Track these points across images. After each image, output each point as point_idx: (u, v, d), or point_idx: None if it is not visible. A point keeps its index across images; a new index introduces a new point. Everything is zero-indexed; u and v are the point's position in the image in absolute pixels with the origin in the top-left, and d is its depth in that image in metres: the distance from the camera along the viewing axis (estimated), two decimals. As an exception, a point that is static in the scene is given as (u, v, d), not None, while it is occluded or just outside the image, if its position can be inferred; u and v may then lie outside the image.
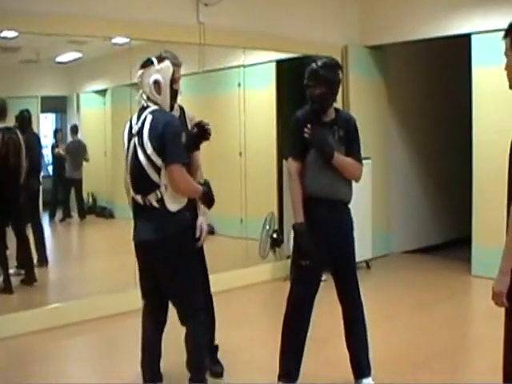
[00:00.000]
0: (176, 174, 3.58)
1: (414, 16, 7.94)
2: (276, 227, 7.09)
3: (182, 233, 3.75)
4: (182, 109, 4.33)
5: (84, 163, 8.39)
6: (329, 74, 3.96)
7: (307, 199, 4.03)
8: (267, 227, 6.88)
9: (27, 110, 7.24)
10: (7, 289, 6.41)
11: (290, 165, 4.10)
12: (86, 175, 8.48)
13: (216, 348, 4.65)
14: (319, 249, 3.97)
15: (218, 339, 4.60)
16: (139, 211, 3.76)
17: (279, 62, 8.42)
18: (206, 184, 3.90)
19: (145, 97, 3.70)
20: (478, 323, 6.21)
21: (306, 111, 4.11)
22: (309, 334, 4.12)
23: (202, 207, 4.17)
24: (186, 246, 3.82)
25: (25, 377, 4.68)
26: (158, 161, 3.57)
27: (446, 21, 7.61)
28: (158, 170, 3.59)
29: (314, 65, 3.98)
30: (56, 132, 8.69)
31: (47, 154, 8.45)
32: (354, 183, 4.18)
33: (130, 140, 3.69)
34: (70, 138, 8.55)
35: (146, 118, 3.63)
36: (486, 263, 6.94)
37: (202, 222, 4.21)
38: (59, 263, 7.78)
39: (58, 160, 8.43)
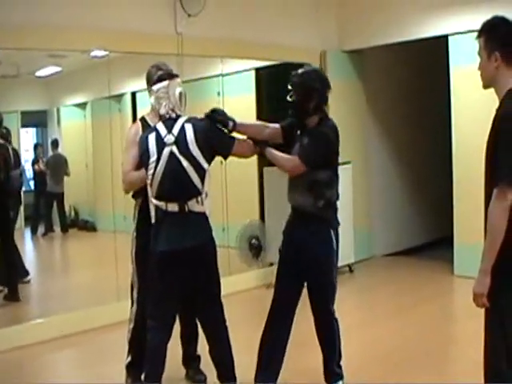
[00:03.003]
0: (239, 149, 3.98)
1: (391, 20, 8.00)
2: (257, 233, 7.05)
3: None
4: None
5: (65, 177, 8.36)
6: (303, 82, 3.97)
7: None
8: (242, 234, 6.89)
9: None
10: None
11: None
12: (67, 188, 8.44)
13: (199, 358, 4.67)
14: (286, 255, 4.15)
15: (200, 349, 4.59)
16: (170, 219, 3.78)
17: (258, 70, 8.43)
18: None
19: (170, 107, 3.83)
20: (460, 323, 6.24)
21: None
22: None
23: None
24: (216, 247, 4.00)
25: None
26: (205, 164, 3.76)
27: (423, 23, 7.68)
28: (201, 175, 3.75)
29: (293, 72, 4.03)
30: (36, 147, 8.65)
31: (28, 169, 8.41)
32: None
33: (161, 150, 3.73)
34: (50, 153, 8.52)
35: (183, 126, 3.77)
36: (468, 263, 6.92)
37: None
38: (42, 278, 7.72)
39: (38, 175, 8.39)
